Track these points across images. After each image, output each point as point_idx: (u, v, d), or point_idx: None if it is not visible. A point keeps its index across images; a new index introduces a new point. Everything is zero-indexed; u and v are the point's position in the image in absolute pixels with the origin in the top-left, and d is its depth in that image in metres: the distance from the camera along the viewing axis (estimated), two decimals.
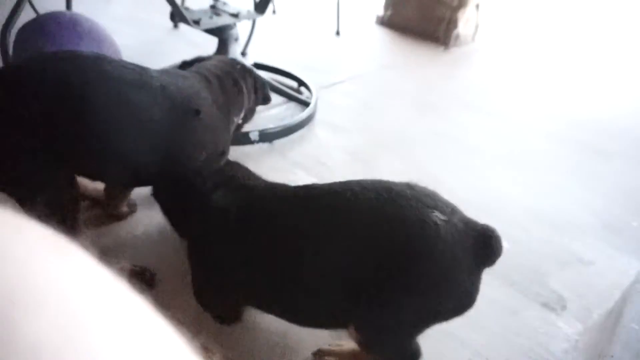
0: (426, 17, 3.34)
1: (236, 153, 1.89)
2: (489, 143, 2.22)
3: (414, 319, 0.92)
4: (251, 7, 2.12)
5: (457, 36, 3.33)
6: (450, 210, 0.94)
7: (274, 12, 3.44)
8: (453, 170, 1.98)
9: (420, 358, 0.98)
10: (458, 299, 0.90)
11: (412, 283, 0.88)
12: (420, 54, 3.19)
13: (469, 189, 1.87)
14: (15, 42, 1.78)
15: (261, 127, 2.02)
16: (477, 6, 3.40)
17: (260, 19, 2.49)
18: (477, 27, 3.49)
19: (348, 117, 2.28)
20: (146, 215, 1.48)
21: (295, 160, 1.92)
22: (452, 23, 3.28)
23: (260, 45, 2.64)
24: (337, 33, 3.25)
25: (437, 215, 0.90)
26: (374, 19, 3.60)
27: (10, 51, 1.80)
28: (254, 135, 1.93)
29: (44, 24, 1.76)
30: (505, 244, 0.97)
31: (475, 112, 2.50)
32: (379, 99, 2.50)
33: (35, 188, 1.05)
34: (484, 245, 0.91)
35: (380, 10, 3.58)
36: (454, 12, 3.25)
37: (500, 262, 0.97)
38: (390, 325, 0.91)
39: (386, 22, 3.54)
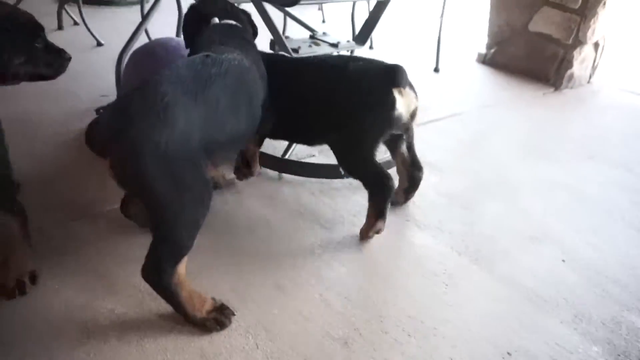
0: (535, 56, 3.08)
1: (324, 187, 1.80)
2: (613, 198, 1.90)
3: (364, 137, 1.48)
4: (350, 38, 2.06)
5: (571, 77, 3.02)
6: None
7: (370, 47, 3.39)
8: (570, 226, 1.69)
9: (387, 181, 1.47)
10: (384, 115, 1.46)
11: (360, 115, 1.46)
12: (527, 94, 2.92)
13: (592, 250, 1.58)
14: (128, 64, 1.88)
15: None
16: (596, 45, 3.07)
17: (357, 53, 2.43)
18: (595, 67, 3.15)
19: (445, 156, 2.09)
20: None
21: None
22: (565, 62, 2.99)
23: None
24: (436, 70, 3.10)
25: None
26: (475, 57, 3.41)
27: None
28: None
29: (154, 49, 1.84)
30: None
31: (594, 161, 2.18)
32: (479, 140, 2.28)
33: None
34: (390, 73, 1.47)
35: (482, 48, 3.39)
36: (568, 50, 2.97)
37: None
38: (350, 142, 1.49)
39: (489, 60, 3.33)
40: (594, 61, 3.14)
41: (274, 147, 2.03)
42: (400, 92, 1.45)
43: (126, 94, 1.12)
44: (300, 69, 1.57)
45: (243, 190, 1.74)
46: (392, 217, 1.66)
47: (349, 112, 1.45)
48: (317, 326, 1.21)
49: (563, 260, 1.52)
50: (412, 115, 1.52)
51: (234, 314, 1.20)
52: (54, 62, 1.27)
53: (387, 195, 1.47)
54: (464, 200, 1.79)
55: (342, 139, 1.49)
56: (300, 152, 1.95)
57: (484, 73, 3.23)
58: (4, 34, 1.16)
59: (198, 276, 1.33)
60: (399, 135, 1.60)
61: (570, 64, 2.98)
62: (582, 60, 3.03)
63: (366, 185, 1.49)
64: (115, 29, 2.11)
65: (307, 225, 1.58)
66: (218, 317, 1.17)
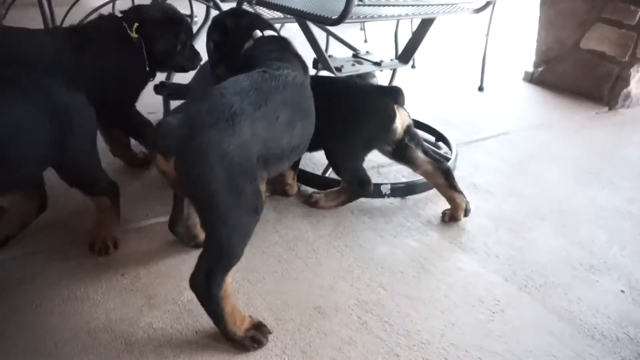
0: (587, 74, 2.95)
1: (364, 206, 1.76)
2: None
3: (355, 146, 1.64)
4: (393, 56, 2.04)
5: (628, 95, 2.86)
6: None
7: (413, 66, 3.36)
8: (637, 259, 1.56)
9: (368, 185, 1.65)
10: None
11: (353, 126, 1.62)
12: (578, 114, 2.79)
13: None
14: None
15: (393, 181, 1.86)
16: None
17: (399, 72, 2.41)
18: None
19: (492, 178, 2.01)
20: None
21: (428, 220, 1.70)
22: (621, 81, 2.83)
23: None
24: (481, 89, 3.03)
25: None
26: (522, 76, 3.30)
27: None
28: (385, 189, 1.78)
29: None
30: None
31: None
32: (529, 161, 2.18)
33: None
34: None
35: (529, 67, 3.28)
36: (624, 68, 2.81)
37: None
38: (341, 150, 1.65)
39: (536, 79, 3.21)
40: None
41: (313, 164, 2.02)
42: (398, 109, 1.64)
43: (195, 102, 1.16)
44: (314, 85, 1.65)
45: (283, 208, 1.73)
46: (435, 239, 1.60)
47: (354, 122, 1.62)
48: (355, 350, 1.16)
49: (622, 291, 1.41)
50: (406, 132, 1.66)
51: (270, 333, 1.18)
52: (193, 58, 1.82)
53: (357, 197, 1.71)
54: (513, 225, 1.70)
55: (343, 145, 1.64)
56: None
57: (531, 92, 3.12)
58: (180, 27, 1.73)
59: (235, 293, 1.31)
60: (406, 146, 1.66)
61: (626, 82, 2.82)
62: (639, 78, 2.87)
63: (349, 184, 1.68)
64: None
65: (346, 245, 1.55)
66: (256, 336, 1.15)
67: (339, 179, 1.73)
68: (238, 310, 1.16)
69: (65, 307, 1.24)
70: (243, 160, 1.10)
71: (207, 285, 1.10)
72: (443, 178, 1.68)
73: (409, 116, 1.69)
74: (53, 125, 1.28)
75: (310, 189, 1.83)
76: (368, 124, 1.63)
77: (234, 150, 1.08)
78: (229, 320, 1.13)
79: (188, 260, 1.42)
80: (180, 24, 1.76)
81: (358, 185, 1.66)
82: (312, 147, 1.71)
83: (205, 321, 1.20)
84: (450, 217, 1.69)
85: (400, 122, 1.64)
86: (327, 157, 1.72)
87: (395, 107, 1.64)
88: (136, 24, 1.66)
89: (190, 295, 1.29)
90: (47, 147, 1.29)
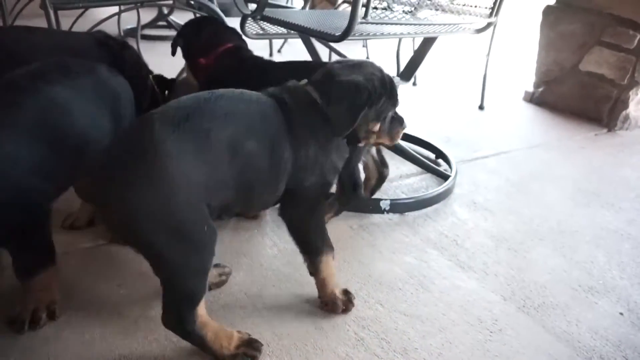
0: (586, 96, 2.97)
1: (363, 222, 1.76)
2: None
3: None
4: (395, 74, 2.06)
5: (627, 117, 2.88)
6: None
7: (414, 84, 3.40)
8: (637, 281, 1.55)
9: (360, 190, 1.59)
10: None
11: None
12: (578, 135, 2.80)
13: None
14: None
15: (393, 197, 1.87)
16: None
17: (401, 89, 2.43)
18: None
19: (492, 196, 2.01)
20: None
21: (428, 237, 1.70)
22: (620, 103, 2.86)
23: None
24: (481, 107, 3.05)
25: None
26: (522, 95, 3.33)
27: None
28: (384, 204, 1.78)
29: None
30: None
31: None
32: (529, 181, 2.19)
33: None
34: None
35: (529, 87, 3.32)
36: (623, 91, 2.84)
37: None
38: None
39: (536, 100, 3.24)
40: None
41: None
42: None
43: (118, 140, 1.10)
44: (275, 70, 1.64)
45: (281, 221, 1.72)
46: (434, 257, 1.59)
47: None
48: None
49: (621, 313, 1.40)
50: None
51: (261, 345, 1.16)
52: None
53: (349, 201, 1.64)
54: (512, 244, 1.70)
55: None
56: None
57: (531, 112, 3.14)
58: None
59: (232, 309, 1.31)
60: None
61: (625, 105, 2.84)
62: (638, 101, 2.89)
63: (344, 186, 1.59)
64: (171, 64, 2.23)
65: (344, 260, 1.54)
66: (247, 351, 1.13)
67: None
68: (223, 331, 1.13)
69: (59, 318, 1.23)
70: (183, 200, 0.99)
71: (179, 323, 1.07)
72: (375, 181, 1.71)
73: None
74: (111, 108, 1.32)
75: None
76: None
77: (159, 193, 0.96)
78: (215, 345, 1.11)
79: None
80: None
81: (352, 189, 1.58)
82: None
83: None
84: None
85: None
86: None
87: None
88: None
89: None
90: (107, 133, 1.30)
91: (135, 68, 1.69)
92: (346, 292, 1.33)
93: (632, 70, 2.79)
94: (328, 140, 1.23)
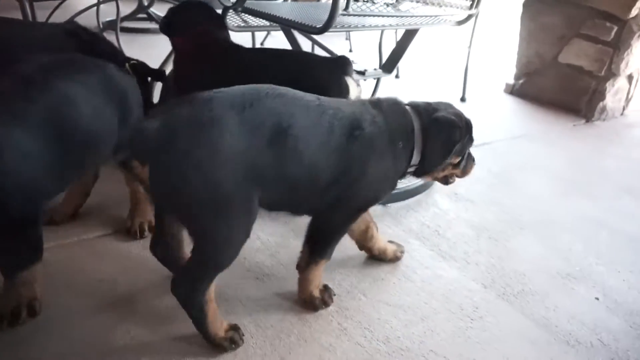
0: (565, 88, 3.03)
1: None
2: None
3: None
4: (378, 66, 2.07)
5: (604, 109, 2.94)
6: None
7: (397, 76, 3.41)
8: (613, 268, 1.60)
9: None
10: None
11: None
12: (557, 126, 2.85)
13: (632, 290, 1.49)
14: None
15: None
16: (630, 77, 3.00)
17: (383, 81, 2.44)
18: (629, 100, 3.06)
19: (474, 187, 2.04)
20: None
21: (410, 228, 1.72)
22: (598, 94, 2.92)
23: None
24: (463, 99, 3.08)
25: None
26: (503, 88, 3.37)
27: None
28: None
29: None
30: None
31: (632, 196, 2.09)
32: (510, 171, 2.22)
33: None
34: None
35: (510, 79, 3.36)
36: (600, 82, 2.90)
37: None
38: None
39: (517, 91, 3.29)
40: (628, 93, 3.06)
41: None
42: (348, 81, 1.55)
43: (174, 106, 1.09)
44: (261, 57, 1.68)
45: (265, 215, 1.72)
46: (416, 247, 1.61)
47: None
48: (335, 357, 1.16)
49: (597, 298, 1.44)
50: None
51: (243, 335, 1.18)
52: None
53: None
54: (493, 233, 1.73)
55: None
56: None
57: (512, 104, 3.18)
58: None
59: (216, 299, 1.30)
60: None
61: (602, 96, 2.90)
62: (615, 92, 2.95)
63: None
64: (153, 56, 2.20)
65: None
66: (234, 337, 1.16)
67: None
68: (218, 316, 1.16)
69: (40, 314, 1.21)
70: (223, 173, 1.03)
71: (191, 291, 1.10)
72: None
73: (358, 85, 1.63)
74: (119, 106, 1.31)
75: None
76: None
77: (211, 162, 1.01)
78: (211, 323, 1.13)
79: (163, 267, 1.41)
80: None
81: None
82: None
83: (185, 328, 1.19)
84: None
85: (353, 94, 1.57)
86: None
87: (346, 78, 1.56)
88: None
89: (169, 302, 1.28)
90: (116, 127, 1.29)
91: (108, 59, 1.66)
92: (326, 288, 1.34)
93: (610, 62, 2.85)
94: (398, 163, 1.27)
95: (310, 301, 1.30)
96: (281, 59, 1.68)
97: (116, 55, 1.71)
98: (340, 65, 1.59)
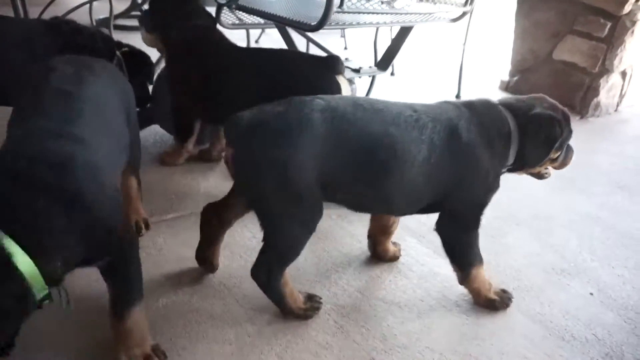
0: (560, 84, 3.03)
1: (343, 211, 1.75)
2: None
3: None
4: (373, 64, 2.06)
5: (598, 105, 2.96)
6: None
7: (392, 73, 3.41)
8: (607, 263, 1.61)
9: None
10: None
11: None
12: None
13: (626, 285, 1.50)
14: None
15: None
16: (624, 73, 3.01)
17: (379, 79, 2.44)
18: (622, 96, 3.08)
19: None
20: None
21: (406, 225, 1.72)
22: (592, 91, 2.93)
23: None
24: (458, 96, 3.08)
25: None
26: (498, 84, 3.38)
27: None
28: None
29: None
30: None
31: (626, 192, 2.10)
32: None
33: None
34: None
35: (505, 76, 3.37)
36: (594, 79, 2.91)
37: None
38: None
39: (512, 88, 3.29)
40: (622, 90, 3.08)
41: None
42: (340, 79, 1.58)
43: (278, 104, 1.16)
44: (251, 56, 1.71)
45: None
46: (412, 244, 1.62)
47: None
48: (332, 355, 1.17)
49: (591, 294, 1.45)
50: None
51: (321, 298, 1.29)
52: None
53: None
54: (489, 230, 1.73)
55: None
56: None
57: None
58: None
59: (211, 301, 1.30)
60: None
61: (596, 92, 2.92)
62: (609, 88, 2.97)
63: None
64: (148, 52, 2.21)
65: (324, 249, 1.55)
66: (313, 305, 1.26)
67: None
68: (295, 290, 1.25)
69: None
70: (296, 174, 1.10)
71: (267, 278, 1.20)
72: None
73: (353, 82, 1.67)
74: (126, 107, 1.30)
75: None
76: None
77: (287, 160, 1.09)
78: (290, 301, 1.23)
79: (163, 265, 1.41)
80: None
81: None
82: None
83: (180, 326, 1.19)
84: None
85: (345, 93, 1.61)
86: None
87: (337, 77, 1.59)
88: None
89: (165, 301, 1.28)
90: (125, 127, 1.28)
91: (92, 52, 1.65)
92: (504, 291, 1.36)
93: (603, 59, 2.86)
94: (496, 164, 1.27)
95: (489, 304, 1.33)
96: (273, 58, 1.68)
97: (99, 50, 1.69)
98: (331, 64, 1.60)
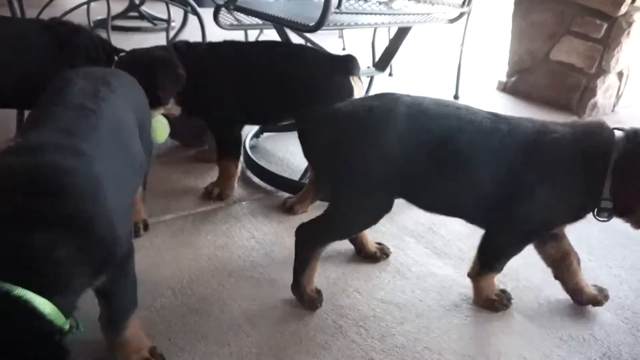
0: (557, 85, 3.05)
1: None
2: None
3: None
4: (371, 64, 2.07)
5: (595, 105, 2.97)
6: None
7: (390, 74, 3.41)
8: (604, 263, 1.62)
9: None
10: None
11: None
12: None
13: (624, 285, 1.51)
14: None
15: None
16: (620, 74, 3.03)
17: (377, 79, 2.44)
18: (619, 96, 3.09)
19: None
20: None
21: (404, 225, 1.72)
22: (588, 91, 2.94)
23: None
24: (456, 97, 3.09)
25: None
26: (495, 85, 3.40)
27: None
28: None
29: None
30: None
31: None
32: None
33: None
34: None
35: (502, 76, 3.38)
36: (591, 79, 2.92)
37: None
38: None
39: (509, 89, 3.31)
40: (618, 90, 3.09)
41: (291, 170, 2.02)
42: (354, 80, 1.62)
43: (374, 98, 1.26)
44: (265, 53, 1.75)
45: (259, 213, 1.72)
46: (411, 244, 1.62)
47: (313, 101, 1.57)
48: (330, 355, 1.17)
49: None
50: None
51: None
52: None
53: None
54: None
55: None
56: None
57: (504, 101, 3.20)
58: None
59: (209, 301, 1.30)
60: None
61: (593, 93, 2.93)
62: (605, 89, 2.98)
63: None
64: None
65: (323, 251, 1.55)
66: (316, 300, 1.28)
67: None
68: (313, 279, 1.29)
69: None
70: (377, 164, 1.16)
71: (305, 241, 1.25)
72: None
73: (363, 86, 1.69)
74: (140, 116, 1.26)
75: (286, 195, 1.83)
76: (329, 94, 1.55)
77: (368, 151, 1.16)
78: (304, 279, 1.26)
79: (161, 266, 1.40)
80: None
81: None
82: (273, 118, 1.84)
83: (178, 327, 1.19)
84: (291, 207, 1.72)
85: (358, 95, 1.62)
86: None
87: (351, 78, 1.61)
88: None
89: (163, 301, 1.28)
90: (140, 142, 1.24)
91: (88, 53, 1.64)
92: (503, 291, 1.37)
93: (600, 59, 2.87)
94: (580, 193, 1.18)
95: (489, 305, 1.33)
96: (285, 53, 1.70)
97: (95, 50, 1.68)
98: (346, 64, 1.61)
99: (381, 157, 1.17)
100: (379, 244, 1.54)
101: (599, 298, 1.35)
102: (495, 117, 1.22)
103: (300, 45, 1.93)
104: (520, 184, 1.17)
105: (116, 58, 1.62)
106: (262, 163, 1.97)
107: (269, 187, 1.89)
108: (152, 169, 1.90)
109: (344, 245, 1.58)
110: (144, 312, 1.24)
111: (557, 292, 1.45)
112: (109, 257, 0.88)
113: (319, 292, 1.31)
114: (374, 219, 1.25)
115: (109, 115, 1.05)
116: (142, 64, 1.51)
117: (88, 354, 1.11)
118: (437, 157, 1.17)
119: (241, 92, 1.67)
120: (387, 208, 1.23)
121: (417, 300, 1.37)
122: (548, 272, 1.54)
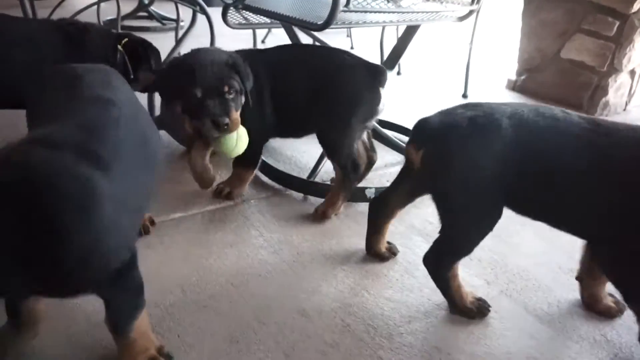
0: (567, 83, 3.02)
1: (349, 210, 1.77)
2: None
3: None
4: (379, 63, 2.06)
5: (606, 104, 2.93)
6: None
7: (398, 73, 3.40)
8: None
9: (359, 169, 1.69)
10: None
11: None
12: None
13: None
14: None
15: (378, 185, 1.88)
16: (632, 72, 2.99)
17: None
18: (631, 95, 3.05)
19: None
20: None
21: (412, 224, 1.72)
22: (600, 90, 2.91)
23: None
24: (464, 95, 3.07)
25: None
26: (505, 84, 3.37)
27: None
28: (369, 192, 1.79)
29: None
30: None
31: None
32: None
33: None
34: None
35: (512, 75, 3.35)
36: (602, 78, 2.89)
37: None
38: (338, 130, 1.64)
39: (519, 87, 3.28)
40: (630, 89, 3.05)
41: (299, 168, 2.03)
42: (382, 92, 1.67)
43: (461, 109, 1.25)
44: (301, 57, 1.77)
45: (268, 212, 1.73)
46: (419, 243, 1.61)
47: (350, 101, 1.63)
48: (338, 353, 1.17)
49: None
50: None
51: (489, 306, 1.31)
52: None
53: (352, 184, 1.70)
54: (496, 230, 1.69)
55: (339, 125, 1.63)
56: (326, 174, 1.94)
57: (513, 99, 3.17)
58: None
59: (219, 299, 1.31)
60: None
61: (605, 92, 2.89)
62: (617, 87, 2.94)
63: (344, 168, 1.66)
64: None
65: (331, 248, 1.55)
66: (480, 305, 1.30)
67: (324, 182, 1.73)
68: (463, 287, 1.30)
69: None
70: (483, 175, 1.18)
71: (436, 268, 1.28)
72: (364, 165, 1.77)
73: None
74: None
75: (296, 194, 1.83)
76: (362, 104, 1.64)
77: (476, 162, 1.17)
78: (456, 294, 1.29)
79: (170, 264, 1.41)
80: None
81: (352, 169, 1.66)
82: (303, 130, 1.78)
83: (187, 324, 1.20)
84: (322, 213, 1.70)
85: (382, 107, 1.68)
86: (321, 140, 1.69)
87: (382, 89, 1.67)
88: None
89: (172, 299, 1.29)
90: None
91: (98, 51, 1.67)
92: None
93: (612, 58, 2.84)
94: None
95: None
96: (316, 57, 1.73)
97: (104, 48, 1.71)
98: (379, 75, 1.66)
99: (486, 167, 1.18)
100: (388, 242, 1.53)
101: (613, 312, 1.34)
102: (597, 125, 1.17)
103: (331, 48, 1.92)
104: (617, 205, 1.13)
105: (120, 48, 1.66)
106: (270, 161, 1.97)
107: (277, 186, 1.89)
108: (162, 168, 1.92)
109: (352, 245, 1.58)
110: (153, 309, 1.25)
111: (567, 292, 1.44)
112: (95, 275, 0.89)
113: (479, 299, 1.32)
114: (490, 228, 1.26)
115: (127, 105, 1.06)
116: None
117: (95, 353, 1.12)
118: (539, 169, 1.17)
119: (277, 100, 1.67)
120: (500, 215, 1.25)
121: (426, 299, 1.36)
122: (558, 272, 1.53)
